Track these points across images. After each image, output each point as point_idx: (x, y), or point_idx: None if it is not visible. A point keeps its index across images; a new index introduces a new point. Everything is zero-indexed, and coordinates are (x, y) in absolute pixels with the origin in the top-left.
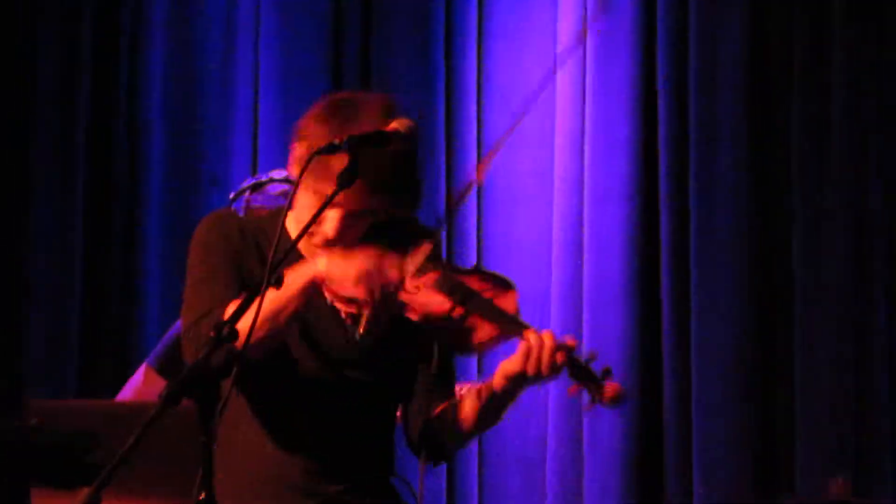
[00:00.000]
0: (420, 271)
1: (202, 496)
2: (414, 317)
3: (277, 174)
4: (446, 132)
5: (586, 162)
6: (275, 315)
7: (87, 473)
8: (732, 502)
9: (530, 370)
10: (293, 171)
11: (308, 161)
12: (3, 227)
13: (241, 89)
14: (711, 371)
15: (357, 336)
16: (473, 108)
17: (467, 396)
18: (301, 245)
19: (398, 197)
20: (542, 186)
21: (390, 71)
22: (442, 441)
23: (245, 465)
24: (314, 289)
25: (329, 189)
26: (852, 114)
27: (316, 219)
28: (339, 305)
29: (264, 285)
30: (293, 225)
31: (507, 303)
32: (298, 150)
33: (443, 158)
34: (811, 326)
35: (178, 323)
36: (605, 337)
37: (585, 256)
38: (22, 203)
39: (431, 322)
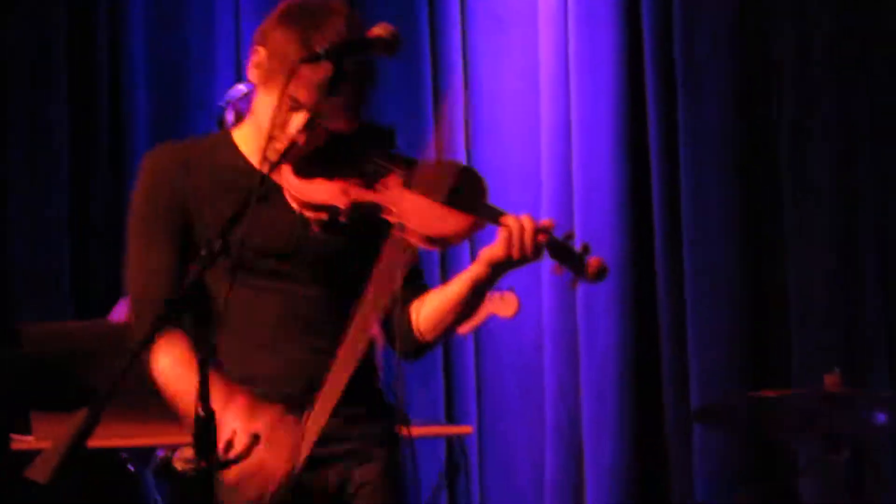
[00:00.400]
0: (384, 170)
1: (200, 413)
2: (391, 218)
3: None
4: (431, 45)
5: (572, 74)
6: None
7: (84, 395)
8: (728, 400)
9: (515, 254)
10: (251, 74)
11: (292, 71)
12: None
13: (223, 15)
14: (705, 272)
15: None
16: (457, 31)
17: (443, 289)
18: (263, 152)
19: (361, 106)
20: (528, 97)
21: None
22: (419, 335)
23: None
24: None
25: (304, 95)
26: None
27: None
28: (307, 214)
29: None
30: (247, 136)
31: (479, 190)
32: (259, 55)
33: (428, 69)
34: (802, 224)
35: None
36: (596, 242)
37: (574, 165)
38: None
39: (405, 219)
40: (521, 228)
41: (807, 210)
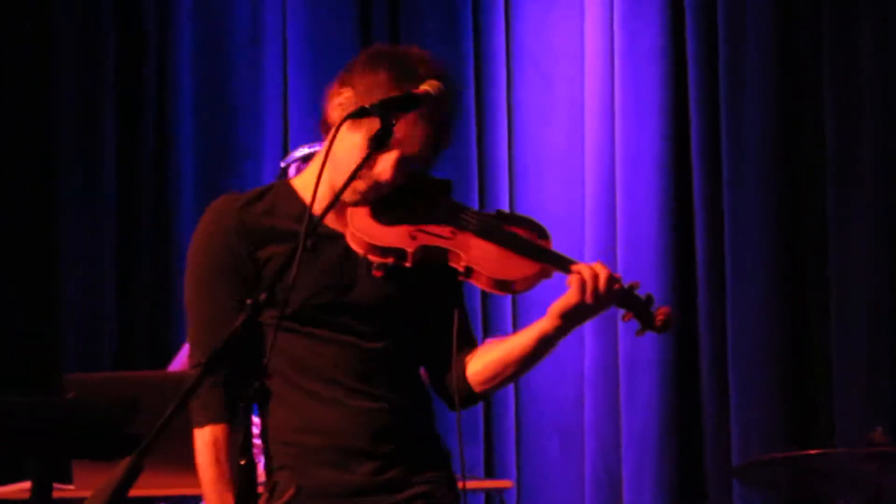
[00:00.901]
0: (451, 216)
1: (243, 462)
2: (458, 263)
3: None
4: (476, 97)
5: (617, 122)
6: None
7: (126, 444)
8: (770, 458)
9: (588, 301)
10: (334, 113)
11: (337, 127)
12: (34, 213)
13: (270, 63)
14: (748, 328)
15: None
16: (503, 69)
17: (506, 341)
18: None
19: (443, 145)
20: (573, 147)
21: (420, 38)
22: (473, 386)
23: (297, 436)
24: None
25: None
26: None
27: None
28: (372, 258)
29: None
30: (308, 184)
31: (544, 241)
32: (344, 95)
33: (473, 121)
34: (845, 277)
35: None
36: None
37: (619, 220)
38: (51, 190)
39: (473, 263)
40: (595, 276)
41: (850, 263)
